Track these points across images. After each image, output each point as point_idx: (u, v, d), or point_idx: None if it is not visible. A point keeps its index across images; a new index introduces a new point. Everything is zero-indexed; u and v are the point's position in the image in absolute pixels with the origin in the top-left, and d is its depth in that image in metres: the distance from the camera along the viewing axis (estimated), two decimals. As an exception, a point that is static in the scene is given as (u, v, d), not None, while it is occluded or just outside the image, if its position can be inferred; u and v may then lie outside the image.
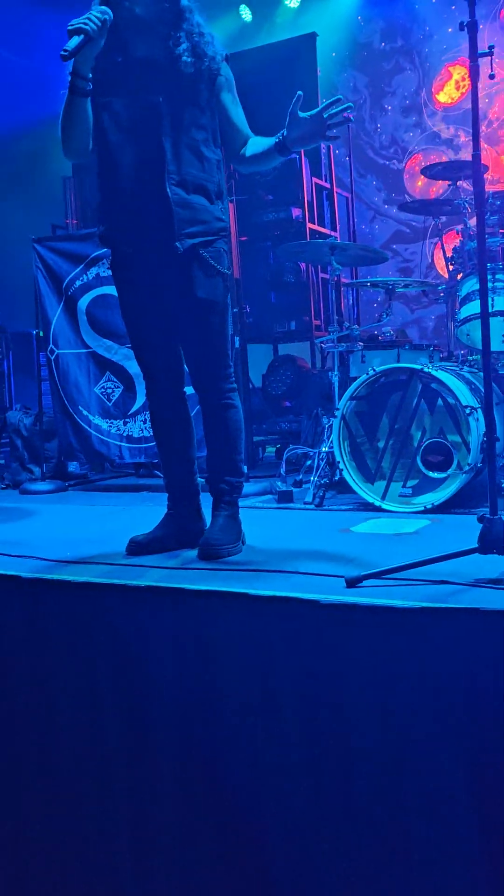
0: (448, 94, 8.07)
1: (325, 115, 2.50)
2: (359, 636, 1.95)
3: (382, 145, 8.48)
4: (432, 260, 8.07)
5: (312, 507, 3.76)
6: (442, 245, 5.14)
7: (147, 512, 3.32)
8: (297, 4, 8.58)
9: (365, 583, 2.13)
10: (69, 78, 2.52)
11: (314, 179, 6.25)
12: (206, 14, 2.71)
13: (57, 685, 2.34)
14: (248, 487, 3.83)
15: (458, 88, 7.97)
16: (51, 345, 5.02)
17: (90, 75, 2.53)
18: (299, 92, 2.52)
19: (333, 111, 2.49)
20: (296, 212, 5.98)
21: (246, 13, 8.73)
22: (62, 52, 2.40)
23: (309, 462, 4.19)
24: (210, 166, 2.68)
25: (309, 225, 6.02)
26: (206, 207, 2.67)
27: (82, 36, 2.42)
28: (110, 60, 2.59)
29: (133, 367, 4.75)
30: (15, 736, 2.42)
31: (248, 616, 2.09)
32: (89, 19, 2.44)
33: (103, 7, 2.50)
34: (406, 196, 8.17)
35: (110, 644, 2.27)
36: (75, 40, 2.42)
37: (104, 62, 2.56)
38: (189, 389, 2.87)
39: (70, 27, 2.43)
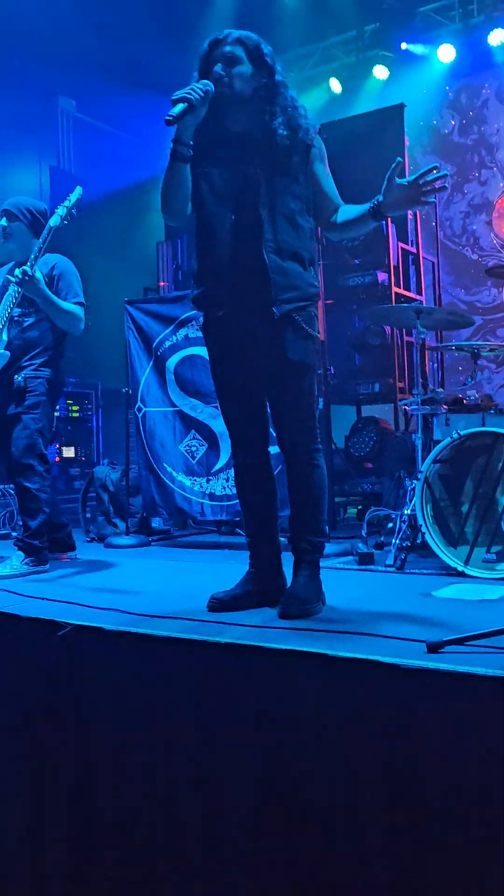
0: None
1: (421, 182, 2.56)
2: (439, 702, 1.92)
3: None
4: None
5: (394, 569, 3.72)
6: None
7: (228, 569, 3.34)
8: (386, 77, 8.80)
9: (446, 648, 2.10)
10: (171, 145, 2.66)
11: (400, 244, 6.32)
12: (298, 86, 2.83)
13: (136, 738, 2.37)
14: (328, 548, 3.82)
15: None
16: (138, 402, 5.15)
17: (191, 142, 2.66)
18: (399, 158, 2.60)
19: (430, 178, 2.55)
20: (382, 276, 6.04)
21: (336, 85, 8.99)
22: (167, 118, 2.57)
23: (391, 524, 4.15)
24: (304, 234, 2.76)
25: (395, 289, 6.06)
26: (300, 274, 2.74)
27: (185, 104, 2.57)
28: (209, 132, 2.71)
29: (218, 426, 4.83)
30: (92, 787, 2.44)
31: (328, 677, 2.08)
32: (193, 90, 2.59)
33: (206, 80, 2.64)
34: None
35: (190, 699, 2.29)
36: (179, 107, 2.57)
37: (204, 134, 2.69)
38: (273, 448, 2.91)
39: (174, 97, 2.58)
